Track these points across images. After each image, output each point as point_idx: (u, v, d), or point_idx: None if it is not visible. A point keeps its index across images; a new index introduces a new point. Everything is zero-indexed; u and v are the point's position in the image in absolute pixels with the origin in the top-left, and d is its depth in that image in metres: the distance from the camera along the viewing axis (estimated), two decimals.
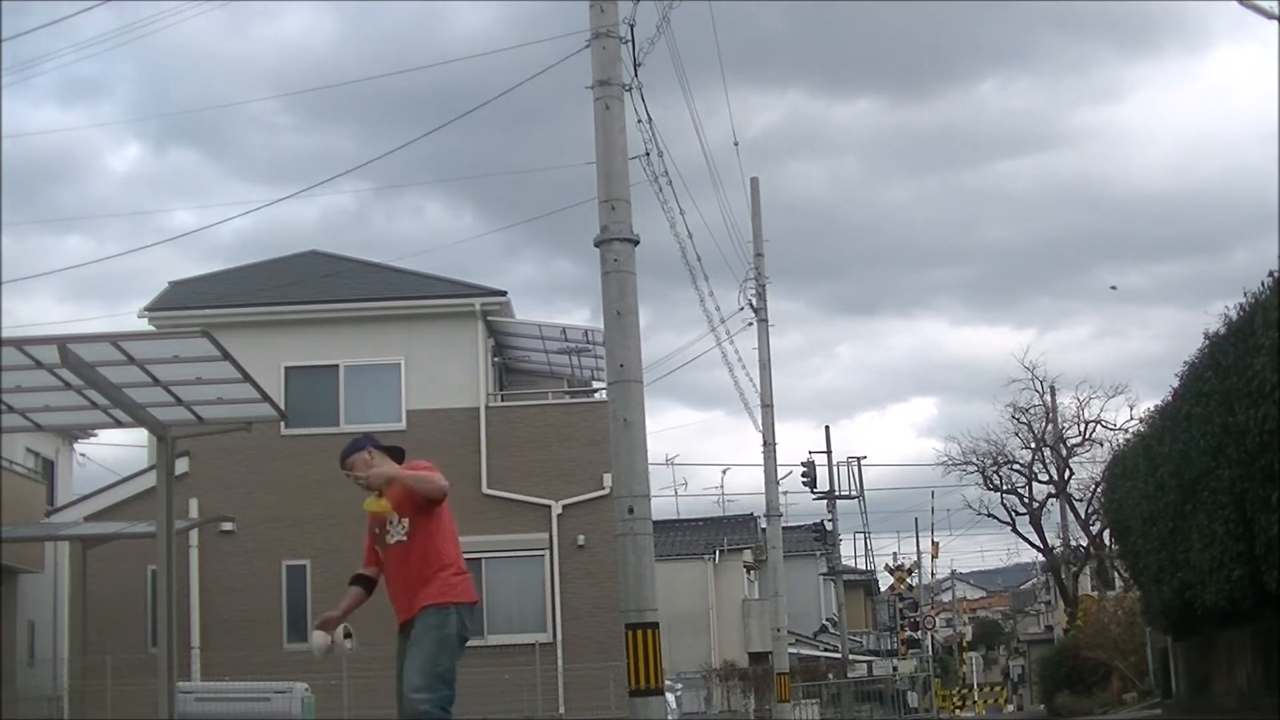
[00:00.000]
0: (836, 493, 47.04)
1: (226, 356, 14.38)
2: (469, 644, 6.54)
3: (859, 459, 48.78)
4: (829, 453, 47.22)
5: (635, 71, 13.26)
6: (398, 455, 6.82)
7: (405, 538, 6.51)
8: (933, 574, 63.71)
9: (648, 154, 14.53)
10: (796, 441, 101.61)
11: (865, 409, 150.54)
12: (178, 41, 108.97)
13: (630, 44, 13.13)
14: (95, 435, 29.35)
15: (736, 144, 27.60)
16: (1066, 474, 38.91)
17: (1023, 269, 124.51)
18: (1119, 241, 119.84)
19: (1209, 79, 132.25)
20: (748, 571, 41.96)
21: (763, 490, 29.58)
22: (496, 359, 27.29)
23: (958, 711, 44.58)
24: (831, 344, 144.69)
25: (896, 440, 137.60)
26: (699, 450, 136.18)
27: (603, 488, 23.67)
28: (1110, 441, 34.47)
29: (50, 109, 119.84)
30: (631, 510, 11.88)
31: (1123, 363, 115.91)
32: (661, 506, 49.45)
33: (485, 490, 24.52)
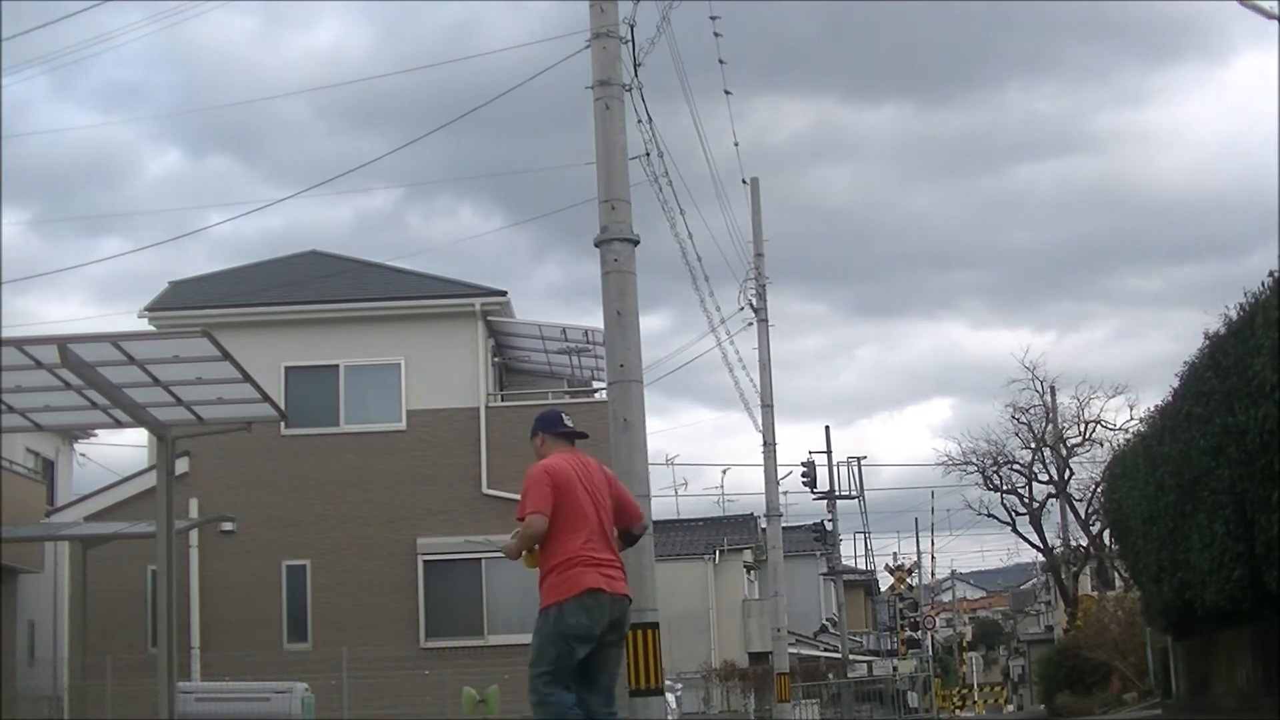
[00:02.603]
0: (836, 493, 47.09)
1: (226, 356, 14.39)
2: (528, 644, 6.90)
3: (859, 459, 48.91)
4: (829, 453, 47.31)
5: (635, 71, 13.27)
6: (578, 436, 7.19)
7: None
8: (932, 574, 63.77)
9: (648, 154, 14.54)
10: (811, 442, 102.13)
11: (884, 410, 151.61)
12: (216, 52, 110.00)
13: (630, 44, 13.14)
14: (95, 435, 29.34)
15: (736, 144, 27.51)
16: (1066, 474, 38.95)
17: (1045, 272, 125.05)
18: (1140, 245, 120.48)
19: (1232, 84, 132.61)
20: (748, 571, 41.95)
21: (763, 490, 29.60)
22: (496, 359, 27.28)
23: (958, 711, 44.62)
24: (854, 346, 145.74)
25: (913, 441, 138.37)
26: (718, 450, 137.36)
27: None
28: (1110, 441, 34.51)
29: (93, 113, 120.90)
30: None
31: (1142, 364, 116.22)
32: (661, 506, 49.46)
33: (485, 490, 24.49)
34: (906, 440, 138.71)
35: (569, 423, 7.19)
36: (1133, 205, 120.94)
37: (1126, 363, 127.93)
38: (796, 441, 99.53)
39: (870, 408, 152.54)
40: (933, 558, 58.92)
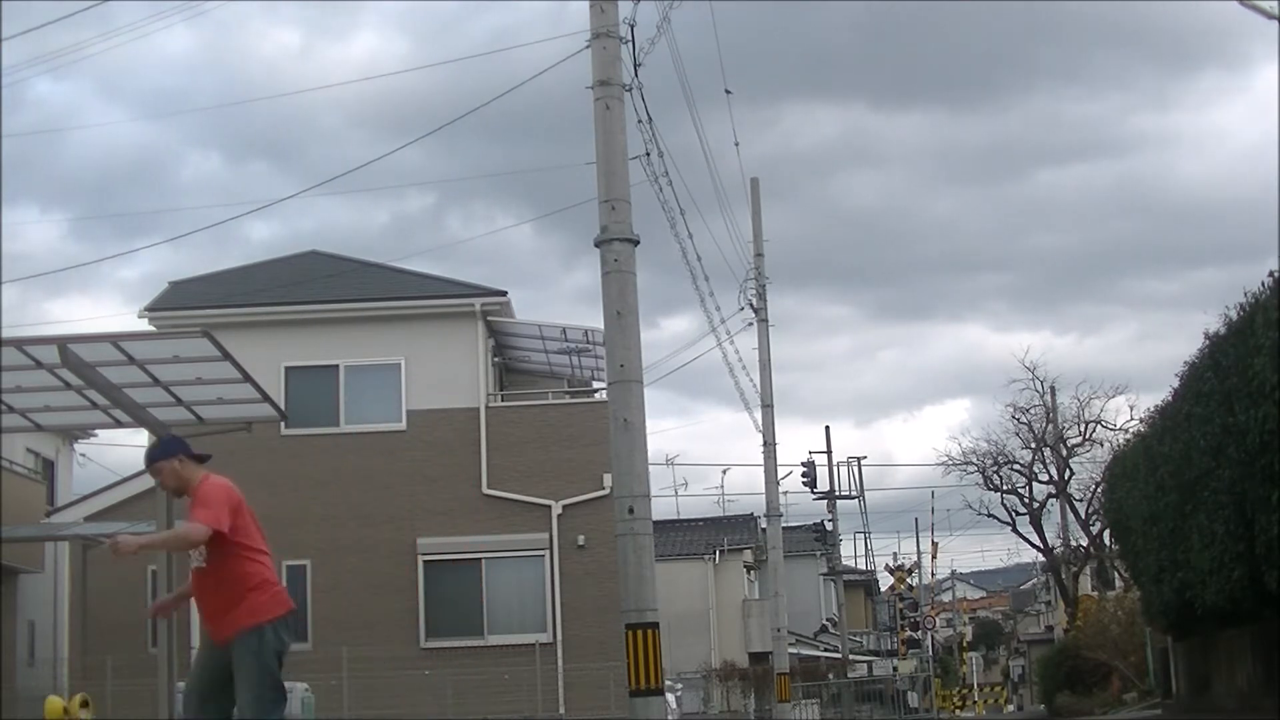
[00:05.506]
0: (837, 493, 47.10)
1: (226, 356, 14.41)
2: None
3: (859, 459, 48.93)
4: (829, 453, 47.32)
5: (635, 72, 13.28)
6: (205, 461, 6.91)
7: (204, 564, 6.60)
8: (933, 574, 63.70)
9: (648, 154, 14.54)
10: (823, 443, 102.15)
11: (903, 410, 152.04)
12: (256, 62, 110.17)
13: (630, 44, 13.14)
14: (95, 435, 29.33)
15: (737, 144, 27.51)
16: (1066, 474, 38.91)
17: (1066, 275, 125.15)
18: (1161, 248, 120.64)
19: (1255, 90, 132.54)
20: (748, 571, 41.96)
21: (763, 490, 29.60)
22: (496, 359, 27.28)
23: (958, 712, 44.58)
24: (878, 348, 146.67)
25: (929, 441, 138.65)
26: (732, 450, 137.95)
27: (603, 488, 23.67)
28: (1110, 441, 34.48)
29: (138, 120, 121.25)
30: (631, 510, 11.88)
31: (1160, 366, 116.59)
32: (661, 506, 49.50)
33: (485, 490, 24.52)
34: (923, 441, 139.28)
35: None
36: (1155, 209, 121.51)
37: (1145, 365, 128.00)
38: (811, 442, 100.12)
39: (890, 408, 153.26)
40: (934, 558, 58.83)
